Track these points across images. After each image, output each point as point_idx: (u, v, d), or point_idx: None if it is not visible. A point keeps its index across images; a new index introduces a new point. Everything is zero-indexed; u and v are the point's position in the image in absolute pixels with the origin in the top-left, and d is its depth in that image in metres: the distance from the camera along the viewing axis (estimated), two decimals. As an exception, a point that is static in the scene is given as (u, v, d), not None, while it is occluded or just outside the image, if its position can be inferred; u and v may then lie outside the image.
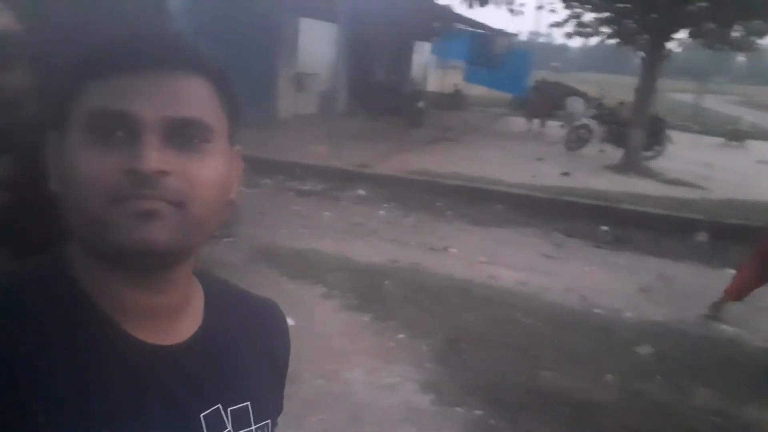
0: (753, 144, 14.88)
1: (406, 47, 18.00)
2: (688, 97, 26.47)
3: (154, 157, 0.51)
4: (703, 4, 9.49)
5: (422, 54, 19.63)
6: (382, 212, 6.64)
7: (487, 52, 15.73)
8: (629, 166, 9.93)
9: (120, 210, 0.51)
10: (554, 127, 13.86)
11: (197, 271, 0.66)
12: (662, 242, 6.26)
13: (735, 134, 14.96)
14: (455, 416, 2.88)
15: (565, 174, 9.02)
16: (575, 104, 12.93)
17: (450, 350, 3.48)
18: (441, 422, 2.83)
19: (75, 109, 0.54)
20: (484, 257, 5.32)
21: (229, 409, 0.62)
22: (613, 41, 11.31)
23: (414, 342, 3.55)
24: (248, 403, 0.64)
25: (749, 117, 16.75)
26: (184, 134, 0.54)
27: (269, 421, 0.67)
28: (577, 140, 11.77)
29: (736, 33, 10.50)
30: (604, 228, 6.55)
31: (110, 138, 0.52)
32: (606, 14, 10.77)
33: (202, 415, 0.60)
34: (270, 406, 0.68)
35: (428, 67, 20.94)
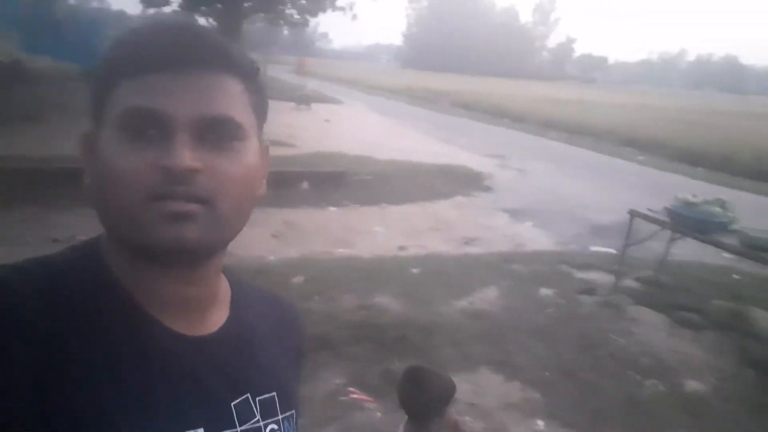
0: (316, 106, 17.91)
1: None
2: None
3: (187, 154, 0.52)
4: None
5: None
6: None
7: (44, 18, 13.82)
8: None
9: (154, 209, 0.52)
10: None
11: (223, 268, 0.67)
12: (279, 194, 7.26)
13: (303, 99, 17.61)
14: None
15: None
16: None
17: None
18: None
19: (109, 107, 0.54)
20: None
21: (257, 399, 0.63)
22: (185, 11, 11.70)
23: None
24: (274, 393, 0.65)
25: (306, 83, 20.10)
26: (215, 132, 0.54)
27: (294, 411, 0.67)
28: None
29: (290, 11, 12.36)
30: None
31: (143, 136, 0.53)
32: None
33: (233, 404, 0.60)
34: (294, 397, 0.69)
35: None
